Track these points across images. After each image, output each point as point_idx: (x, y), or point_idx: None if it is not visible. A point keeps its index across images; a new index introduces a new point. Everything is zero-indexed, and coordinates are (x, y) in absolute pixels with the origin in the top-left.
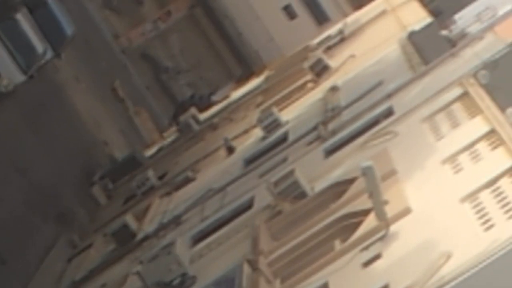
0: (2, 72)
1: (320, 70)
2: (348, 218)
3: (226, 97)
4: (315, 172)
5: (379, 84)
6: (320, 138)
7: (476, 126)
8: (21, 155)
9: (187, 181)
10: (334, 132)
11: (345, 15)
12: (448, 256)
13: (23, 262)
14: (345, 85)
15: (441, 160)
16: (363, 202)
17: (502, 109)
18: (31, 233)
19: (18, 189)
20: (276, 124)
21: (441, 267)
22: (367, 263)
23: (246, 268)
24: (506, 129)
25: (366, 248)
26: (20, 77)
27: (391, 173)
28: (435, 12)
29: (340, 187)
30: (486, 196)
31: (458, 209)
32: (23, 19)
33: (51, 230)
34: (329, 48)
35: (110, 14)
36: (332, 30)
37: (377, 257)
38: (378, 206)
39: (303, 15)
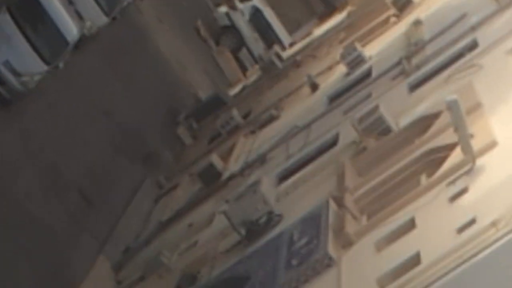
0: (84, 15)
1: (403, 4)
2: (433, 152)
3: (309, 34)
4: (399, 107)
5: (463, 17)
6: (404, 73)
7: None
8: (106, 98)
9: (271, 119)
10: (418, 67)
11: None
12: None
13: (110, 203)
14: (428, 19)
15: None
16: (449, 137)
17: None
18: (117, 175)
19: (104, 132)
20: (359, 60)
21: None
22: (453, 198)
23: (332, 205)
24: None
25: (453, 182)
26: (103, 20)
27: (476, 106)
28: None
29: (425, 122)
30: None
31: None
32: None
33: (137, 171)
34: None
35: None
36: None
37: (463, 191)
38: (464, 140)
39: None
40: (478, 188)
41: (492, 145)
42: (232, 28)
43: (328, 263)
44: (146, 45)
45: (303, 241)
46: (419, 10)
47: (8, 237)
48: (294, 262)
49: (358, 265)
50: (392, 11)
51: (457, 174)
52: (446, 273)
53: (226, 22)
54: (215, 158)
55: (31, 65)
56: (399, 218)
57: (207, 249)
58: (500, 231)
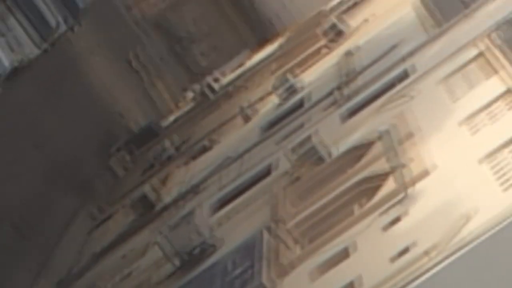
0: (15, 47)
1: (335, 35)
2: (366, 182)
3: (241, 65)
4: (332, 137)
5: (394, 47)
6: (336, 103)
7: (492, 87)
8: (38, 129)
9: (205, 150)
10: (350, 97)
11: None
12: (469, 217)
13: (44, 235)
14: (360, 50)
15: (458, 122)
16: (381, 166)
17: None
18: (50, 207)
19: (36, 164)
20: (291, 90)
21: (462, 227)
22: (387, 227)
23: (266, 235)
24: None
25: (386, 212)
26: (34, 51)
27: (408, 135)
28: None
29: (358, 151)
30: (504, 156)
31: (477, 170)
32: None
33: (70, 203)
34: (342, 13)
35: None
36: None
37: (396, 220)
38: (396, 169)
39: None
40: (412, 216)
41: (425, 173)
42: None
43: None
44: (78, 77)
45: (238, 271)
46: (350, 41)
47: None
48: None
49: None
50: (324, 41)
51: (390, 203)
52: None
53: None
54: (148, 189)
55: None
56: (333, 247)
57: (141, 280)
58: (432, 260)
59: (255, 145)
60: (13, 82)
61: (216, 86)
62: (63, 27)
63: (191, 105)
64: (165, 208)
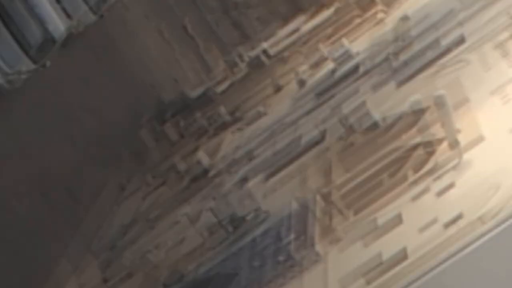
0: (72, 13)
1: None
2: (421, 147)
3: (296, 30)
4: (387, 102)
5: (451, 11)
6: (391, 69)
7: None
8: (90, 94)
9: (259, 115)
10: (405, 62)
11: None
12: None
13: (98, 201)
14: (416, 14)
15: None
16: (436, 131)
17: None
18: (105, 172)
19: (89, 128)
20: (347, 55)
21: None
22: (440, 193)
23: (319, 201)
24: None
25: (439, 177)
26: (90, 18)
27: (463, 101)
28: None
29: (413, 117)
30: None
31: None
32: None
33: (121, 168)
34: None
35: None
36: None
37: (450, 186)
38: (451, 135)
39: None
40: (465, 183)
41: (479, 139)
42: None
43: (315, 259)
44: (133, 43)
45: (290, 237)
46: (406, 5)
47: None
48: (281, 258)
49: (345, 261)
50: (380, 6)
51: (444, 169)
52: (433, 268)
53: None
54: (202, 155)
55: (18, 63)
56: (387, 213)
57: (194, 246)
58: (486, 225)
59: (310, 110)
60: (67, 48)
61: (271, 51)
62: None
63: (246, 70)
64: (219, 174)
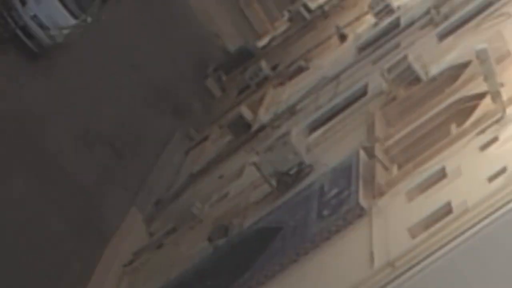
0: None
1: None
2: (463, 102)
3: None
4: (428, 56)
5: None
6: (433, 22)
7: None
8: (135, 51)
9: (300, 70)
10: (446, 16)
11: None
12: None
13: (141, 156)
14: None
15: None
16: (478, 85)
17: None
18: (148, 128)
19: (134, 85)
20: (388, 10)
21: None
22: (484, 147)
23: (363, 156)
24: None
25: (483, 131)
26: None
27: (506, 55)
28: None
29: (455, 71)
30: None
31: None
32: None
33: (167, 124)
34: None
35: None
36: None
37: (494, 140)
38: (494, 89)
39: None
40: (509, 137)
41: None
42: None
43: (360, 213)
44: None
45: (334, 191)
46: None
47: (40, 192)
48: (326, 212)
49: (389, 215)
50: None
51: (487, 123)
52: (478, 222)
53: None
54: (244, 110)
55: (59, 19)
56: (430, 168)
57: (238, 200)
58: None
59: (351, 65)
60: (110, 4)
61: (312, 5)
62: None
63: (287, 25)
64: (262, 128)
